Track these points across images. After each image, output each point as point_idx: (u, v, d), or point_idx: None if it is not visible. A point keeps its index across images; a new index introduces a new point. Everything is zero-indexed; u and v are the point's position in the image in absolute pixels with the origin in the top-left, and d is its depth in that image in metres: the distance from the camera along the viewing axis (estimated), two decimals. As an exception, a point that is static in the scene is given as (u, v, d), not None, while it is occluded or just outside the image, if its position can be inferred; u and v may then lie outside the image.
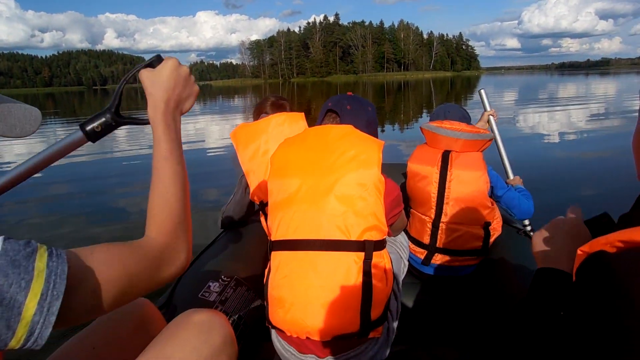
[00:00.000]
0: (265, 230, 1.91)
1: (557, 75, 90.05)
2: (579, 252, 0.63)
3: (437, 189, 2.09)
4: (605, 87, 29.64)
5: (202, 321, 0.98)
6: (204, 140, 10.57)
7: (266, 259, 1.48)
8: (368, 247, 1.29)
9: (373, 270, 1.29)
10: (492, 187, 2.11)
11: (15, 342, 0.56)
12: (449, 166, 2.06)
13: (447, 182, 2.05)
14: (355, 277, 1.28)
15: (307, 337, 1.30)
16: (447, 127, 2.08)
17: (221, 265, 1.98)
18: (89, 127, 0.89)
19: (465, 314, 1.98)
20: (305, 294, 1.29)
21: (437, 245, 2.13)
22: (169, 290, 1.84)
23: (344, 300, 1.27)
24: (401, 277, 1.67)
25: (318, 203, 1.31)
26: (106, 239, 0.75)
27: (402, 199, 1.53)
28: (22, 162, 0.90)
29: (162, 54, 0.91)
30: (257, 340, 1.77)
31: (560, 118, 12.28)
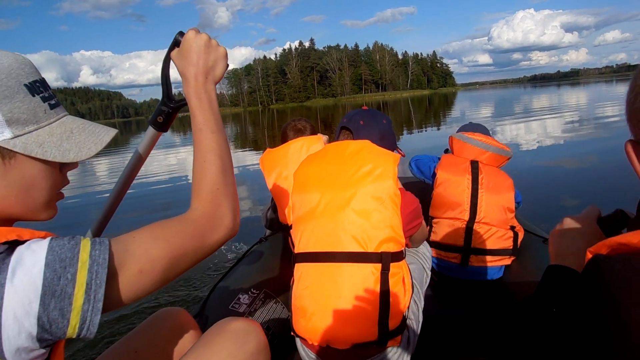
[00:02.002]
0: (291, 246, 1.98)
1: (530, 87, 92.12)
2: (588, 253, 0.65)
3: (470, 192, 2.17)
4: (577, 97, 30.54)
5: (238, 329, 1.04)
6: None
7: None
8: (385, 259, 1.33)
9: (391, 281, 1.33)
10: None
11: (71, 330, 0.62)
12: (479, 173, 2.17)
13: (479, 186, 2.16)
14: (372, 288, 1.32)
15: (328, 345, 1.34)
16: (478, 138, 2.22)
17: (251, 279, 2.06)
18: (155, 122, 1.01)
19: (493, 323, 1.98)
20: (325, 303, 1.35)
21: (472, 246, 2.17)
22: (202, 301, 1.92)
23: (362, 310, 1.32)
24: (424, 286, 1.69)
25: (336, 216, 1.37)
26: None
27: (426, 209, 1.56)
28: (120, 175, 1.06)
29: (182, 31, 0.93)
30: (286, 350, 1.82)
31: (542, 127, 12.58)
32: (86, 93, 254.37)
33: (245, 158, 11.58)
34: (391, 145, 1.66)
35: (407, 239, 1.44)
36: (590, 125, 12.23)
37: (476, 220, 2.17)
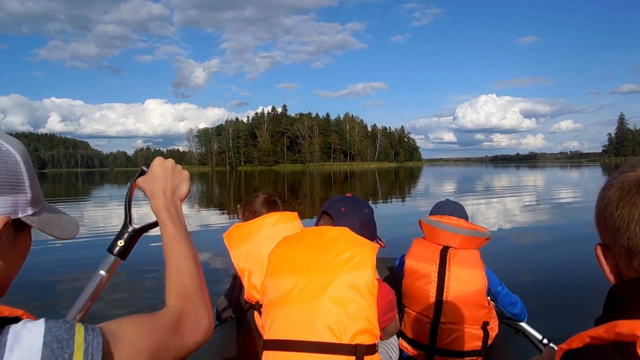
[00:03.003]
0: (260, 328, 1.87)
1: (491, 167, 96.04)
2: (558, 349, 0.66)
3: (435, 288, 2.03)
4: (534, 179, 31.99)
5: None
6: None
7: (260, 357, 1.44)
8: (359, 352, 1.27)
9: None
10: (489, 286, 2.07)
11: None
12: (447, 264, 2.02)
13: (445, 281, 2.01)
14: None
15: None
16: (446, 222, 2.08)
17: None
18: (114, 248, 0.98)
19: None
20: None
21: (437, 346, 2.05)
22: None
23: None
24: None
25: (311, 304, 1.31)
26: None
27: (397, 298, 1.52)
28: (75, 303, 0.96)
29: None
30: None
31: (503, 206, 12.98)
32: (51, 140, 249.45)
33: (209, 218, 11.38)
34: (371, 235, 1.62)
35: (380, 331, 1.38)
36: (549, 206, 12.71)
37: (441, 320, 2.04)
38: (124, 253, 0.99)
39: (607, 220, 0.70)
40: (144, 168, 0.99)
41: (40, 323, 0.63)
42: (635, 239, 0.67)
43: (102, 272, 0.98)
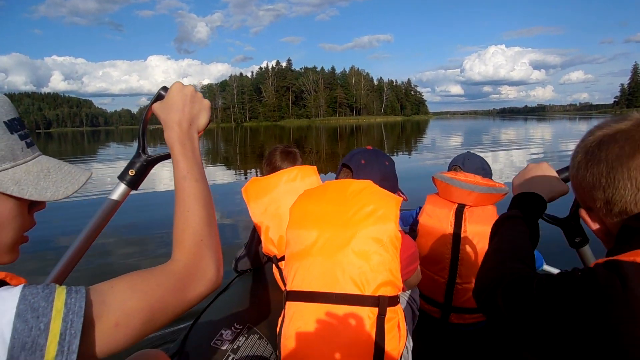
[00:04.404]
0: (277, 280, 1.89)
1: (499, 120, 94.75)
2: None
3: (451, 250, 2.00)
4: (542, 131, 31.66)
5: None
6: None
7: (280, 306, 1.47)
8: (382, 303, 1.30)
9: (386, 326, 1.30)
10: None
11: None
12: (462, 224, 1.97)
13: (461, 243, 1.96)
14: (368, 333, 1.29)
15: None
16: (461, 179, 2.01)
17: (234, 312, 1.95)
18: (125, 177, 0.95)
19: None
20: (318, 347, 1.31)
21: (452, 304, 2.05)
22: (181, 337, 1.82)
23: (356, 356, 1.29)
24: (412, 327, 1.67)
25: (335, 256, 1.33)
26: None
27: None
28: (81, 231, 0.95)
29: (150, 95, 0.92)
30: None
31: (508, 158, 12.93)
32: (55, 99, 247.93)
33: (216, 174, 11.43)
34: (393, 188, 1.62)
35: (402, 283, 1.40)
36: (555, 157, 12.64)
37: (457, 281, 2.02)
38: (135, 183, 0.96)
39: (582, 183, 0.78)
40: (162, 92, 0.93)
41: (17, 290, 0.58)
42: (609, 190, 0.74)
43: (112, 199, 0.95)
